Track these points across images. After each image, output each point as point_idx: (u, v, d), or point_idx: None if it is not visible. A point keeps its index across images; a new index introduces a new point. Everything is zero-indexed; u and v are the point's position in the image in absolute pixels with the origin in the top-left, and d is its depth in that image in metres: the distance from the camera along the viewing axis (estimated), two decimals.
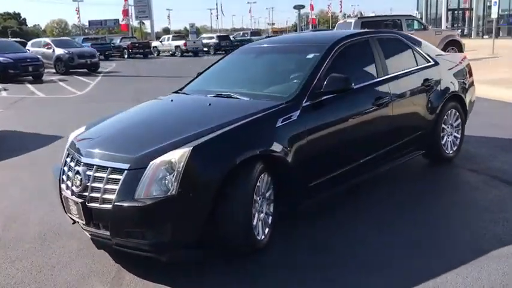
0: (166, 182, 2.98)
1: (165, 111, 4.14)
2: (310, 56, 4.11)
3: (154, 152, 3.10)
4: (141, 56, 37.12)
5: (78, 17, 62.73)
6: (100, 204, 3.12)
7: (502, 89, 9.59)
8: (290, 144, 3.47)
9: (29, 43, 24.30)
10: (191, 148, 3.02)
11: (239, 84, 4.46)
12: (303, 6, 48.23)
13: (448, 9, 32.69)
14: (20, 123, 9.00)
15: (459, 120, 5.30)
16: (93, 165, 3.24)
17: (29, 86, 16.55)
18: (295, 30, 60.03)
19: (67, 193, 3.40)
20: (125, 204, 2.99)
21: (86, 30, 71.78)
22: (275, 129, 3.44)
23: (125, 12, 42.35)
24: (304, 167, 3.56)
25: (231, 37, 42.74)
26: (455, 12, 39.42)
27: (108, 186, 3.10)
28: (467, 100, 5.40)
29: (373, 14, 23.45)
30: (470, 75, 5.67)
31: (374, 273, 3.07)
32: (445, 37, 16.56)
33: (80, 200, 3.19)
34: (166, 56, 39.11)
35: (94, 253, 3.54)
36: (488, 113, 7.48)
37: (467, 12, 38.82)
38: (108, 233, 3.13)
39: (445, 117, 5.05)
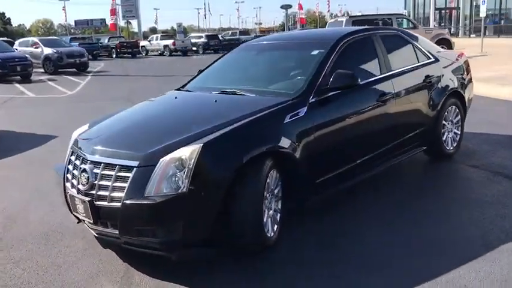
0: (177, 179, 2.94)
1: (170, 109, 4.09)
2: (315, 52, 4.10)
3: (164, 149, 3.06)
4: (130, 55, 36.89)
5: (65, 17, 62.14)
6: (108, 203, 3.07)
7: (495, 86, 9.68)
8: (298, 141, 3.46)
9: (16, 42, 24.00)
10: (202, 145, 2.99)
11: (243, 81, 4.43)
12: (290, 6, 48.33)
13: (435, 9, 32.94)
14: (12, 123, 8.86)
15: (459, 117, 5.33)
16: (101, 163, 3.19)
17: (18, 85, 16.33)
18: (283, 30, 60.12)
19: (73, 192, 3.34)
20: (135, 202, 2.94)
21: (72, 30, 71.01)
22: (283, 125, 3.43)
23: (113, 12, 41.98)
24: (311, 163, 3.55)
25: (219, 36, 42.64)
26: (442, 11, 39.75)
27: (117, 184, 3.05)
28: (466, 97, 5.44)
29: (359, 14, 23.54)
30: (468, 72, 5.71)
31: (385, 268, 3.07)
32: (435, 35, 16.72)
33: (88, 199, 3.14)
34: (154, 55, 38.93)
35: (100, 252, 3.49)
36: (484, 110, 7.54)
37: (453, 11, 39.20)
38: (116, 231, 3.08)
39: (446, 113, 5.08)
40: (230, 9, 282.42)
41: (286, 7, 46.98)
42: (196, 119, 3.62)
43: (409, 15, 36.37)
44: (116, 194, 3.04)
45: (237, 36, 42.88)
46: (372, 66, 4.34)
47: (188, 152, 2.97)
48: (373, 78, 4.23)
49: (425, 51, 5.06)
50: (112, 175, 3.09)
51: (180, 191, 2.91)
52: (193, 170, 2.91)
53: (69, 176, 3.48)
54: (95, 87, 15.73)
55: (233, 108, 3.66)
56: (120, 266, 3.28)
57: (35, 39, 23.41)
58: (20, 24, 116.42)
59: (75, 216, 3.50)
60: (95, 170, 3.19)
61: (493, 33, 32.18)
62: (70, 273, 3.22)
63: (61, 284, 3.09)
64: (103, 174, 3.14)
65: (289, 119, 3.47)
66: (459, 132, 5.35)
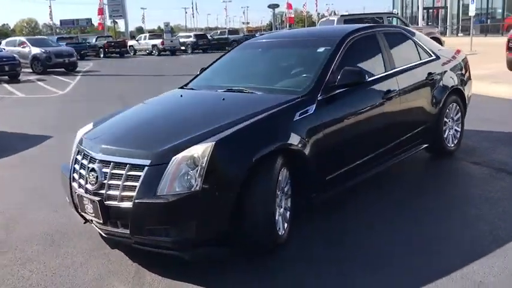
0: (189, 177, 2.90)
1: (178, 107, 4.05)
2: (321, 49, 4.09)
3: (176, 147, 3.02)
4: (118, 55, 36.65)
5: (51, 16, 61.43)
6: (119, 202, 3.03)
7: (488, 84, 9.76)
8: (307, 138, 3.44)
9: (3, 42, 23.74)
10: (214, 143, 2.95)
11: (248, 79, 4.40)
12: (277, 6, 48.38)
13: (423, 8, 33.24)
14: (4, 124, 8.73)
15: (459, 114, 5.36)
16: (110, 162, 3.14)
17: (6, 85, 16.12)
18: (270, 29, 60.11)
19: (80, 191, 3.29)
20: (147, 201, 2.90)
21: (58, 30, 70.23)
22: (293, 123, 3.41)
23: (101, 11, 41.63)
24: (320, 160, 3.53)
25: (208, 36, 42.50)
26: (430, 10, 40.10)
27: (128, 183, 3.01)
28: (466, 94, 5.47)
29: (346, 13, 23.61)
30: (467, 69, 5.75)
31: (395, 262, 3.07)
32: (426, 34, 16.78)
33: (97, 198, 3.09)
34: (143, 55, 38.68)
35: (109, 253, 3.44)
36: (480, 108, 7.58)
37: (441, 10, 39.57)
38: (127, 231, 3.04)
39: (447, 111, 5.10)
40: (217, 8, 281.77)
41: (273, 6, 47.02)
42: (205, 117, 3.58)
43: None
44: (126, 193, 3.00)
45: (226, 36, 42.75)
46: (377, 64, 4.34)
47: (200, 150, 2.93)
48: (378, 76, 4.23)
49: (427, 49, 5.08)
50: (122, 174, 3.04)
51: (193, 189, 2.88)
52: (206, 168, 2.88)
53: (76, 176, 3.43)
54: (85, 86, 15.59)
55: (242, 106, 3.63)
56: (130, 267, 3.23)
57: (23, 38, 23.12)
58: (4, 24, 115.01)
59: (81, 216, 3.46)
60: (104, 169, 3.14)
61: (480, 32, 32.52)
62: (80, 274, 3.17)
63: (71, 285, 3.04)
64: (113, 173, 3.10)
65: (299, 116, 3.45)
66: (460, 130, 5.38)
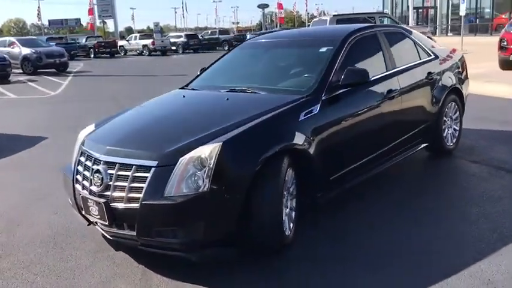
0: (197, 178, 2.89)
1: (181, 107, 4.02)
2: (323, 49, 4.09)
3: (183, 148, 3.01)
4: (108, 55, 36.45)
5: (39, 16, 60.77)
6: (125, 204, 3.00)
7: (482, 83, 9.84)
8: (312, 138, 3.44)
9: None
10: (221, 143, 2.94)
11: (250, 79, 4.39)
12: (267, 6, 48.40)
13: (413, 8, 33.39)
14: None
15: (457, 113, 5.40)
16: (115, 163, 3.11)
17: None
18: (260, 29, 60.13)
19: (84, 193, 3.26)
20: (155, 202, 2.88)
21: (46, 30, 69.61)
22: (298, 123, 3.40)
23: (91, 11, 41.36)
24: (325, 160, 3.54)
25: (199, 36, 42.41)
26: (419, 10, 40.33)
27: (134, 185, 2.99)
28: (464, 93, 5.51)
29: (335, 13, 23.70)
30: (465, 68, 5.79)
31: (403, 257, 3.08)
32: None
33: (103, 200, 3.06)
34: (133, 55, 38.52)
35: (113, 255, 3.41)
36: (474, 107, 7.62)
37: (430, 10, 39.82)
38: (133, 233, 3.01)
39: (446, 109, 5.13)
40: (207, 8, 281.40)
41: (263, 6, 47.02)
42: (210, 117, 3.57)
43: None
44: (133, 195, 2.98)
45: (217, 36, 42.73)
46: (378, 63, 4.35)
47: (208, 151, 2.92)
48: (380, 75, 4.24)
49: (426, 48, 5.11)
50: (128, 175, 3.02)
51: (200, 190, 2.86)
52: (214, 169, 2.86)
53: (80, 178, 3.39)
54: (78, 87, 15.48)
55: (247, 106, 3.62)
56: (136, 269, 3.20)
57: (12, 39, 22.89)
58: None
59: (85, 218, 3.42)
60: (110, 171, 3.11)
61: (469, 32, 32.79)
62: (85, 276, 3.13)
63: None
64: (118, 174, 3.07)
65: (304, 116, 3.45)
66: (458, 128, 5.42)
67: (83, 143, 3.59)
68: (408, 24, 28.12)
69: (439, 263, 3.04)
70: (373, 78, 4.11)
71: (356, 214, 3.89)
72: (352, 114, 3.82)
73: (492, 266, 2.95)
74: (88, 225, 3.49)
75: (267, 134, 3.23)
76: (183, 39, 38.83)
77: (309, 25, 52.88)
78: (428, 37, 17.48)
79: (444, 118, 5.11)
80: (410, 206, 4.01)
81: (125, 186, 3.01)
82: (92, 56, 35.74)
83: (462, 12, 18.94)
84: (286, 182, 3.24)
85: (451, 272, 2.91)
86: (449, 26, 35.60)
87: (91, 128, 3.84)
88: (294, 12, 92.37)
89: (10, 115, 10.20)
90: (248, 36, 35.23)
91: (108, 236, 3.29)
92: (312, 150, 3.42)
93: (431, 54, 5.14)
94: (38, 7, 57.83)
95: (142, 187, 2.94)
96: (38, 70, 20.29)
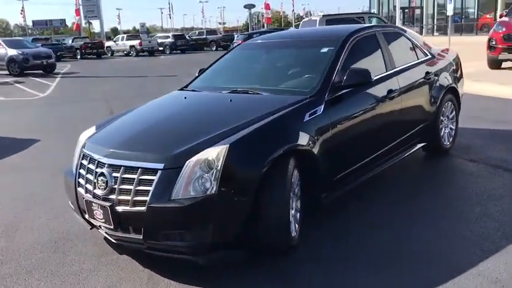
0: (204, 181, 2.86)
1: (184, 109, 3.97)
2: (325, 50, 4.09)
3: (189, 150, 2.98)
4: (95, 56, 36.16)
5: (23, 17, 59.99)
6: (131, 207, 2.96)
7: (471, 83, 9.92)
8: (317, 139, 3.44)
9: None
10: (228, 145, 2.92)
11: (250, 80, 4.38)
12: (253, 6, 48.40)
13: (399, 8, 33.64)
14: None
15: (454, 112, 5.44)
16: (120, 166, 3.07)
17: None
18: (247, 29, 60.10)
19: (88, 197, 3.21)
20: (162, 205, 2.85)
21: (30, 31, 68.78)
22: (303, 123, 3.40)
23: (78, 12, 40.93)
24: (329, 160, 3.53)
25: (186, 36, 42.27)
26: (405, 10, 40.62)
27: (140, 188, 2.95)
28: (459, 92, 5.55)
29: (321, 13, 23.78)
30: (460, 67, 5.84)
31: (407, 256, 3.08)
32: None
33: (108, 204, 3.02)
34: (120, 56, 38.27)
35: (117, 258, 3.36)
36: (466, 106, 7.65)
37: (416, 10, 40.12)
38: (139, 236, 2.98)
39: (443, 109, 5.16)
40: (193, 8, 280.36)
41: (249, 7, 47.00)
42: (215, 118, 3.54)
43: None
44: (139, 198, 2.94)
45: (204, 36, 42.64)
46: (378, 63, 4.36)
47: (215, 153, 2.89)
48: (381, 75, 4.25)
49: (423, 48, 5.13)
50: (134, 178, 2.98)
51: (208, 193, 2.83)
52: (221, 171, 2.84)
53: (82, 181, 3.34)
54: (66, 88, 15.33)
55: (251, 107, 3.60)
56: (141, 272, 3.16)
57: None
58: None
59: (88, 222, 3.38)
60: (114, 174, 3.07)
61: (455, 32, 33.11)
62: (90, 281, 3.09)
63: None
64: (124, 177, 3.03)
65: (309, 117, 3.44)
66: (454, 128, 5.45)
67: (84, 146, 3.54)
68: (395, 24, 28.35)
69: (445, 262, 3.05)
70: (374, 78, 4.12)
71: (357, 214, 3.89)
72: (354, 115, 3.82)
73: (499, 265, 2.97)
74: (91, 229, 3.45)
75: (274, 135, 3.22)
76: (170, 39, 38.71)
77: (296, 25, 53.05)
78: None
79: (441, 117, 5.14)
80: (412, 206, 4.01)
81: (131, 189, 2.97)
82: (79, 57, 35.47)
83: (449, 12, 19.09)
84: (293, 184, 3.23)
85: (459, 271, 2.92)
86: (435, 26, 35.89)
87: (92, 130, 3.79)
88: (281, 12, 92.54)
89: None
90: (236, 36, 35.24)
91: (112, 240, 3.25)
92: (316, 151, 3.41)
93: (428, 54, 5.17)
94: (22, 7, 57.14)
95: (149, 190, 2.91)
96: (25, 71, 20.06)
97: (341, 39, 4.10)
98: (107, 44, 40.31)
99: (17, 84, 16.78)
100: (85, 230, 3.69)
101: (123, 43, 38.89)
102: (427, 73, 4.88)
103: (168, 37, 39.77)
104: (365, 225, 3.68)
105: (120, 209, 3.00)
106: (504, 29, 11.57)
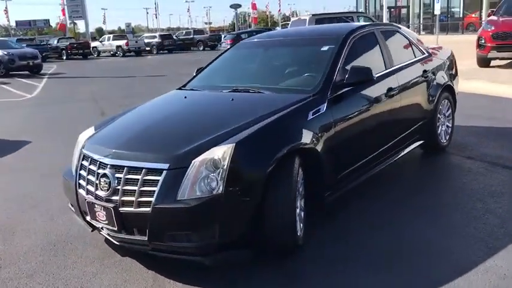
0: (210, 180, 2.82)
1: (185, 108, 3.92)
2: (325, 48, 4.06)
3: (194, 149, 2.93)
4: (81, 57, 35.79)
5: (7, 17, 59.14)
6: (135, 208, 2.91)
7: (462, 81, 9.96)
8: (321, 137, 3.41)
9: None
10: (234, 144, 2.88)
11: (250, 79, 4.34)
12: (239, 6, 48.35)
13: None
14: None
15: (450, 110, 5.46)
16: (123, 166, 3.01)
17: None
18: (233, 29, 60.04)
19: (90, 198, 3.15)
20: (168, 206, 2.80)
21: (13, 31, 67.83)
22: (307, 122, 3.37)
23: (64, 12, 40.43)
24: (333, 159, 3.51)
25: (173, 36, 42.06)
26: (392, 9, 40.90)
27: (145, 188, 2.89)
28: (455, 90, 5.58)
29: (307, 13, 23.83)
30: (454, 65, 5.88)
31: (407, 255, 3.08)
32: None
33: (111, 205, 2.96)
34: (107, 56, 37.92)
35: (120, 260, 3.30)
36: (459, 104, 7.73)
37: (402, 10, 40.43)
38: (144, 237, 2.93)
39: (440, 107, 5.18)
40: (179, 8, 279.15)
41: (235, 7, 46.94)
42: (218, 118, 3.50)
43: None
44: (143, 199, 2.89)
45: (192, 36, 42.44)
46: (378, 61, 4.35)
47: (221, 152, 2.86)
48: (380, 73, 4.24)
49: (420, 46, 5.15)
50: (138, 179, 2.93)
51: (214, 192, 2.79)
52: (228, 171, 2.80)
53: (83, 182, 3.28)
54: (54, 89, 15.14)
55: (254, 106, 3.57)
56: (146, 274, 3.11)
57: None
58: None
59: (89, 224, 3.31)
60: (117, 175, 3.01)
61: (441, 31, 33.41)
62: (94, 285, 3.03)
63: None
64: (127, 178, 2.97)
65: (312, 115, 3.42)
66: (450, 125, 5.48)
67: (83, 147, 3.47)
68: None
69: (451, 259, 3.05)
70: (375, 76, 4.11)
71: (357, 214, 3.87)
72: (356, 113, 3.81)
73: (506, 261, 2.97)
74: (92, 231, 3.39)
75: (279, 133, 3.19)
76: (157, 39, 38.48)
77: (283, 25, 53.05)
78: None
79: (438, 115, 5.16)
80: (412, 203, 4.01)
81: (135, 190, 2.92)
82: (65, 57, 35.03)
83: (437, 11, 19.26)
84: (297, 182, 3.20)
85: (467, 267, 2.92)
86: (421, 25, 36.18)
87: (91, 131, 3.72)
88: (267, 12, 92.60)
89: None
90: (223, 36, 35.16)
91: (115, 242, 3.19)
92: (320, 150, 3.39)
93: (425, 52, 5.19)
94: (6, 7, 56.34)
95: (154, 191, 2.86)
96: (11, 72, 19.76)
97: (341, 38, 4.09)
98: (93, 44, 39.90)
99: (2, 85, 16.53)
100: (84, 232, 3.64)
101: (109, 43, 38.53)
102: (425, 71, 4.89)
103: (155, 37, 39.51)
104: (365, 225, 3.66)
105: (124, 210, 2.95)
106: (493, 28, 11.69)
